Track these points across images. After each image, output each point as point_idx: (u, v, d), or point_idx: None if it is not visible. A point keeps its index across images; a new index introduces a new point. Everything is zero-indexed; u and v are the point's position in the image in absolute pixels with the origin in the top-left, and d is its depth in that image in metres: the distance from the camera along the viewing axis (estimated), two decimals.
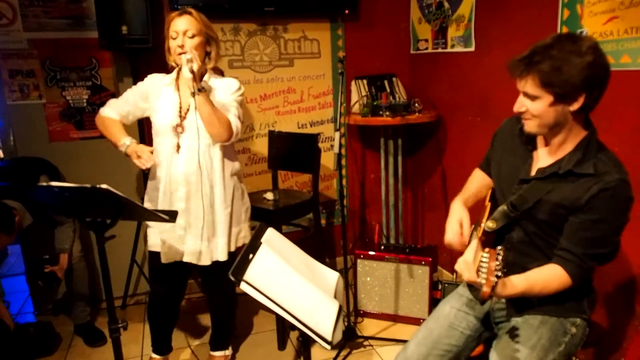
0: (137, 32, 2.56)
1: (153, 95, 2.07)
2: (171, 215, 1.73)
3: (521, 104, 1.36)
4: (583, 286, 1.47)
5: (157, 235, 2.10)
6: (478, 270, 1.19)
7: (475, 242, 1.38)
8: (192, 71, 1.83)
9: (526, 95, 1.33)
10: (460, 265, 1.32)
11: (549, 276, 1.36)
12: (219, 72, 2.16)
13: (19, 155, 2.78)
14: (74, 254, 2.63)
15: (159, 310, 2.28)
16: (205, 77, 2.03)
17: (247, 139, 3.18)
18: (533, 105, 1.33)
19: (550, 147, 1.42)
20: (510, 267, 1.33)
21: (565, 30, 2.12)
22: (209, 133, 1.97)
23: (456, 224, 1.55)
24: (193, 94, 1.87)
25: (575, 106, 1.29)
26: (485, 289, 1.14)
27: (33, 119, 2.80)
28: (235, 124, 2.00)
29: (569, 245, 1.36)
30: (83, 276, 2.69)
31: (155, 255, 2.13)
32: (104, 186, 1.43)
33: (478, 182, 1.73)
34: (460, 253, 1.43)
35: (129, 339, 2.64)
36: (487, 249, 1.24)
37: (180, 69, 1.98)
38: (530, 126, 1.39)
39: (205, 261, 2.10)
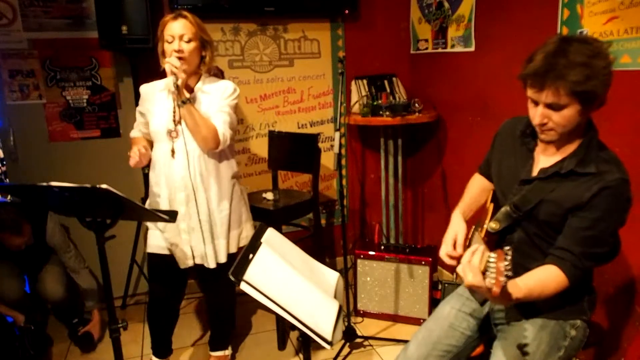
0: (137, 32, 2.55)
1: (148, 102, 2.08)
2: (171, 216, 1.73)
3: (544, 116, 1.31)
4: (583, 287, 1.47)
5: (158, 238, 2.10)
6: (485, 271, 1.17)
7: (481, 247, 1.34)
8: (176, 86, 1.85)
9: (549, 106, 1.29)
10: (465, 268, 1.30)
11: (546, 279, 1.34)
12: (219, 72, 2.15)
13: (19, 155, 2.78)
14: (80, 271, 2.69)
15: (158, 311, 2.27)
16: (200, 83, 2.02)
17: (247, 139, 3.18)
18: (558, 115, 1.29)
19: (552, 148, 1.42)
20: (514, 267, 1.32)
21: (565, 30, 2.12)
22: (196, 142, 1.98)
23: (450, 240, 1.53)
24: (179, 106, 1.90)
25: (593, 109, 1.30)
26: (496, 289, 1.11)
27: (33, 119, 2.80)
28: (223, 131, 1.97)
29: (566, 244, 1.35)
30: (93, 287, 2.72)
31: (154, 257, 2.14)
32: (104, 186, 1.42)
33: (477, 188, 1.72)
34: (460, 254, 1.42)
35: (129, 339, 2.65)
36: (493, 252, 1.22)
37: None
38: (550, 135, 1.36)
39: (212, 264, 2.11)
